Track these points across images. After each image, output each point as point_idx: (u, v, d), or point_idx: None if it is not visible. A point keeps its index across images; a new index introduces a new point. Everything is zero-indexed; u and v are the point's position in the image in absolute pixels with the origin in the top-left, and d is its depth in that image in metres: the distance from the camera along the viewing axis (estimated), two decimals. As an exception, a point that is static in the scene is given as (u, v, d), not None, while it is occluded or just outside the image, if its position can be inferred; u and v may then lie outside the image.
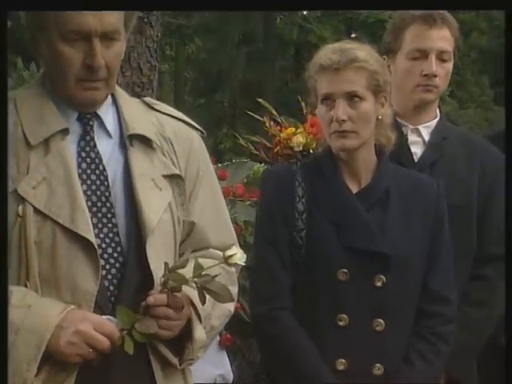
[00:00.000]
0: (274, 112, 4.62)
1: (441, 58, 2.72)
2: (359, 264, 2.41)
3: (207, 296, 1.98)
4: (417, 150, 2.77)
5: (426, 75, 2.71)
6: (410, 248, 2.44)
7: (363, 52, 2.42)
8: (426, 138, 2.80)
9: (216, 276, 1.96)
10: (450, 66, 2.75)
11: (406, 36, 2.75)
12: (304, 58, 23.72)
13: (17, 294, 1.92)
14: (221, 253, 2.16)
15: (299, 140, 4.26)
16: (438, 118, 2.83)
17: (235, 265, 1.99)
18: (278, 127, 4.48)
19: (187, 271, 1.97)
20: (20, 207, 1.95)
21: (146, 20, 4.28)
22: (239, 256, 1.97)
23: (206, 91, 25.57)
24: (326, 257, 2.42)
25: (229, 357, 3.64)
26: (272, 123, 4.50)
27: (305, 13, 24.00)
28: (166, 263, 1.98)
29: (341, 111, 2.39)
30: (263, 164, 4.88)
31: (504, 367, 2.30)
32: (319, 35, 22.10)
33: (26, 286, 1.95)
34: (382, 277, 2.40)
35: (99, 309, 1.98)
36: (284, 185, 2.52)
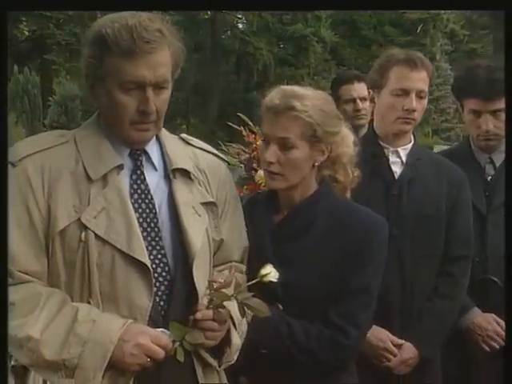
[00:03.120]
0: (251, 123, 4.43)
1: (419, 95, 2.58)
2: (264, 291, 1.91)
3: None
4: (396, 169, 2.63)
5: (406, 110, 2.57)
6: (314, 277, 2.08)
7: (305, 102, 2.03)
8: (404, 159, 2.65)
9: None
10: (425, 102, 2.63)
11: (390, 76, 2.59)
12: (243, 64, 23.71)
13: (82, 310, 1.74)
14: (243, 265, 2.06)
15: (272, 147, 4.10)
16: (412, 142, 2.70)
17: (269, 282, 1.82)
18: (253, 135, 4.31)
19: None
20: (83, 234, 1.76)
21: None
22: (273, 274, 1.81)
23: (164, 90, 25.36)
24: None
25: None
26: (248, 132, 4.33)
27: (240, 27, 23.95)
28: (210, 282, 1.82)
29: (269, 153, 2.06)
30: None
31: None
32: (256, 46, 22.15)
33: (88, 302, 1.77)
34: (279, 305, 2.09)
35: (152, 322, 1.81)
36: (246, 214, 2.18)
